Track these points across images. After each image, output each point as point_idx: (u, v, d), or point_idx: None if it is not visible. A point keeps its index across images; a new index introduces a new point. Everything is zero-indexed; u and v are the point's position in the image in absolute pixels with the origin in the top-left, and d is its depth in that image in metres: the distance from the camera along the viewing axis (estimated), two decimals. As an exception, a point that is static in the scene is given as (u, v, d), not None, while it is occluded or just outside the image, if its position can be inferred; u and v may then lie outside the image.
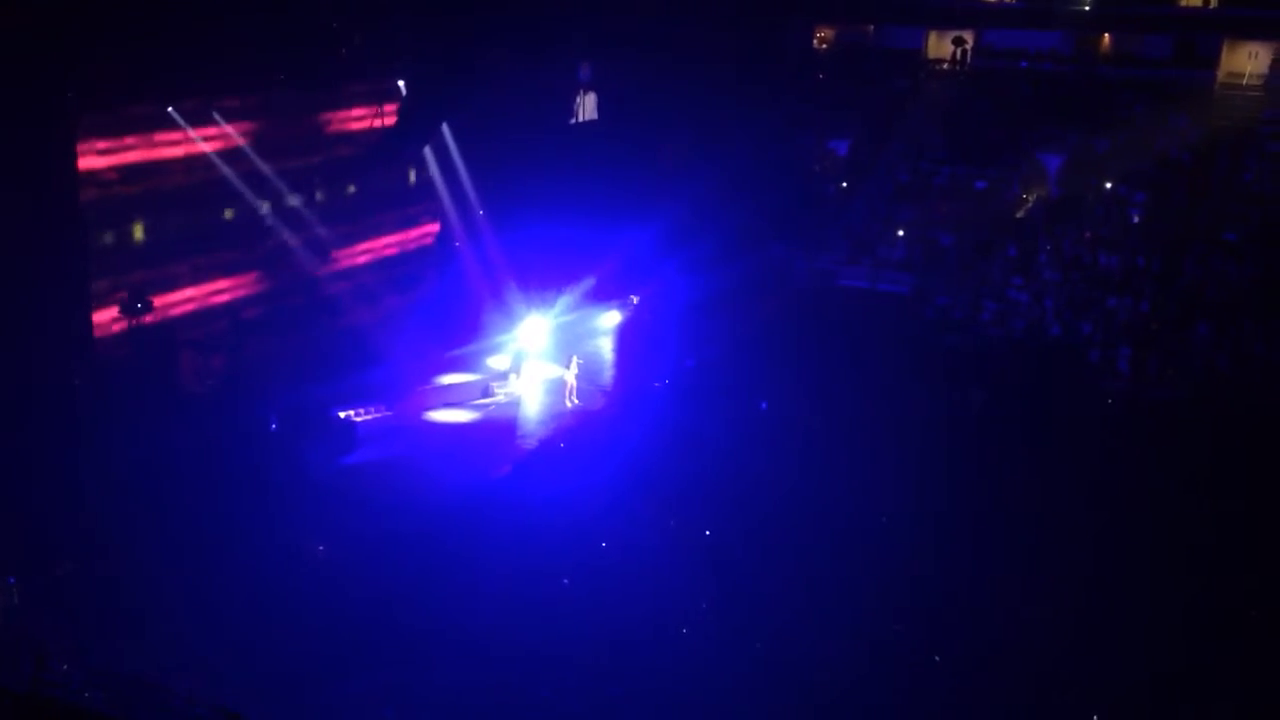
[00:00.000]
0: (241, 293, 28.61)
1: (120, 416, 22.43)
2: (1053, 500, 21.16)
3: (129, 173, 25.38)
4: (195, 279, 27.42)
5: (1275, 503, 20.19)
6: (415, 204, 34.48)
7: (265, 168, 28.39)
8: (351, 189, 32.11)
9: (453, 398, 27.93)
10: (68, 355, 22.32)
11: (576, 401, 27.71)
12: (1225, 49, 37.16)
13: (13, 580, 17.81)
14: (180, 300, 27.04)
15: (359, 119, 31.42)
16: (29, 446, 20.04)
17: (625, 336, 31.93)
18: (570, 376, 27.76)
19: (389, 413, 26.41)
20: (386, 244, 33.24)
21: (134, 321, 25.17)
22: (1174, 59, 38.44)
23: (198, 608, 17.63)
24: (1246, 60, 36.82)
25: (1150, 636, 17.14)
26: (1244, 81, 36.52)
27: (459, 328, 30.84)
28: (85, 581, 18.65)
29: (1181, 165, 33.70)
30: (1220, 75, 36.97)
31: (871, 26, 43.28)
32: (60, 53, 21.03)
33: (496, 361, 29.97)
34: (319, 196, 30.68)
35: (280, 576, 18.60)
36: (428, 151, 32.87)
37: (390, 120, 31.04)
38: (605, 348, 31.56)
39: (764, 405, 25.98)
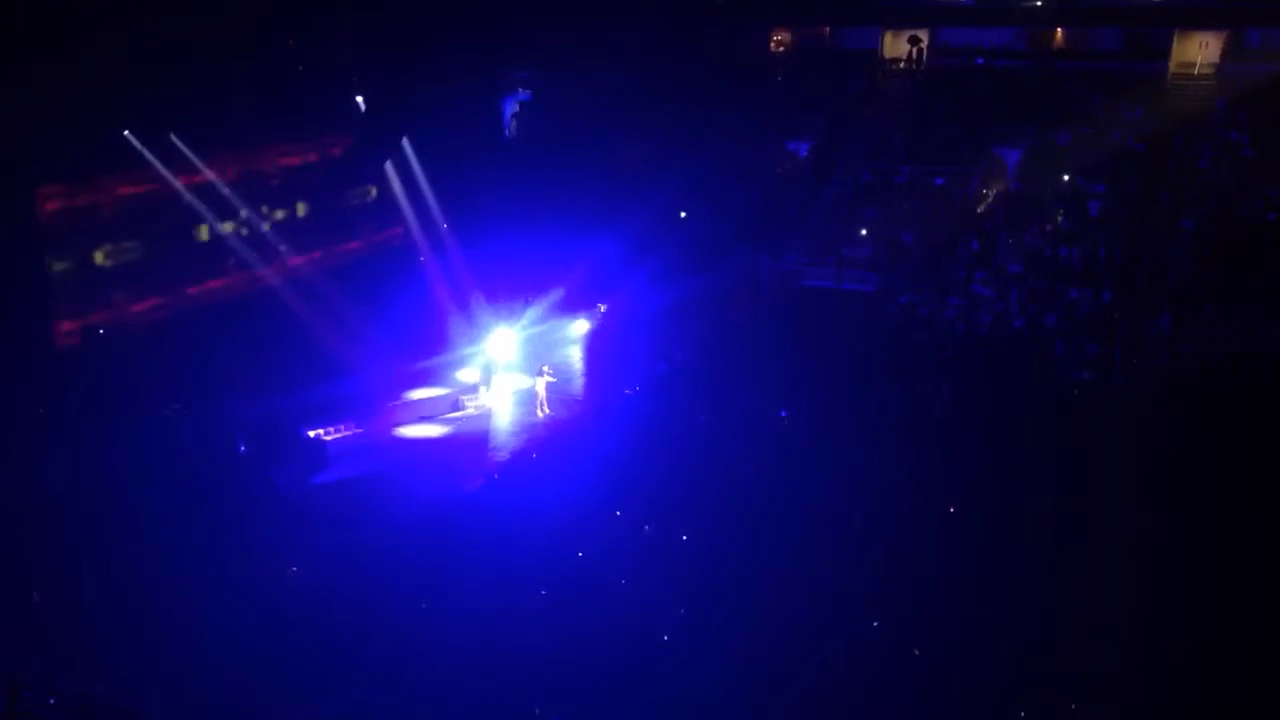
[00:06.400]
0: (205, 310, 28.41)
1: (85, 439, 22.23)
2: (1022, 492, 21.31)
3: (88, 195, 25.18)
4: (157, 297, 27.21)
5: (1243, 489, 20.43)
6: (378, 219, 34.37)
7: (225, 189, 28.25)
8: (314, 206, 31.94)
9: (423, 412, 27.81)
10: (29, 378, 22.15)
11: (547, 411, 27.67)
12: (1176, 40, 37.61)
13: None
14: (143, 319, 26.82)
15: (316, 136, 31.31)
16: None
17: (594, 345, 31.93)
18: (540, 387, 27.72)
19: (359, 430, 26.28)
20: (351, 259, 33.07)
21: (96, 343, 24.98)
22: (1126, 51, 38.90)
23: (170, 632, 17.45)
24: (1197, 50, 37.25)
25: (1124, 627, 17.29)
26: (1195, 71, 36.95)
27: (426, 341, 30.74)
28: (54, 608, 18.42)
29: (1138, 155, 34.08)
30: (1172, 66, 37.41)
31: (827, 28, 43.56)
32: (19, 77, 20.91)
33: (466, 374, 29.88)
34: (280, 214, 30.52)
35: (253, 598, 18.45)
36: (389, 166, 32.81)
37: (348, 139, 31.03)
38: (575, 357, 31.53)
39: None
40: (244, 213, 28.99)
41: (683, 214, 35.08)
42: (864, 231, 34.05)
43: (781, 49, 44.07)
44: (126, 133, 25.62)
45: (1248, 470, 20.69)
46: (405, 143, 32.82)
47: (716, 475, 22.62)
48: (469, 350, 30.72)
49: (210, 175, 27.74)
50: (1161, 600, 17.79)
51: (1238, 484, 20.40)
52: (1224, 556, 18.75)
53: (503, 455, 25.70)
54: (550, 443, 26.04)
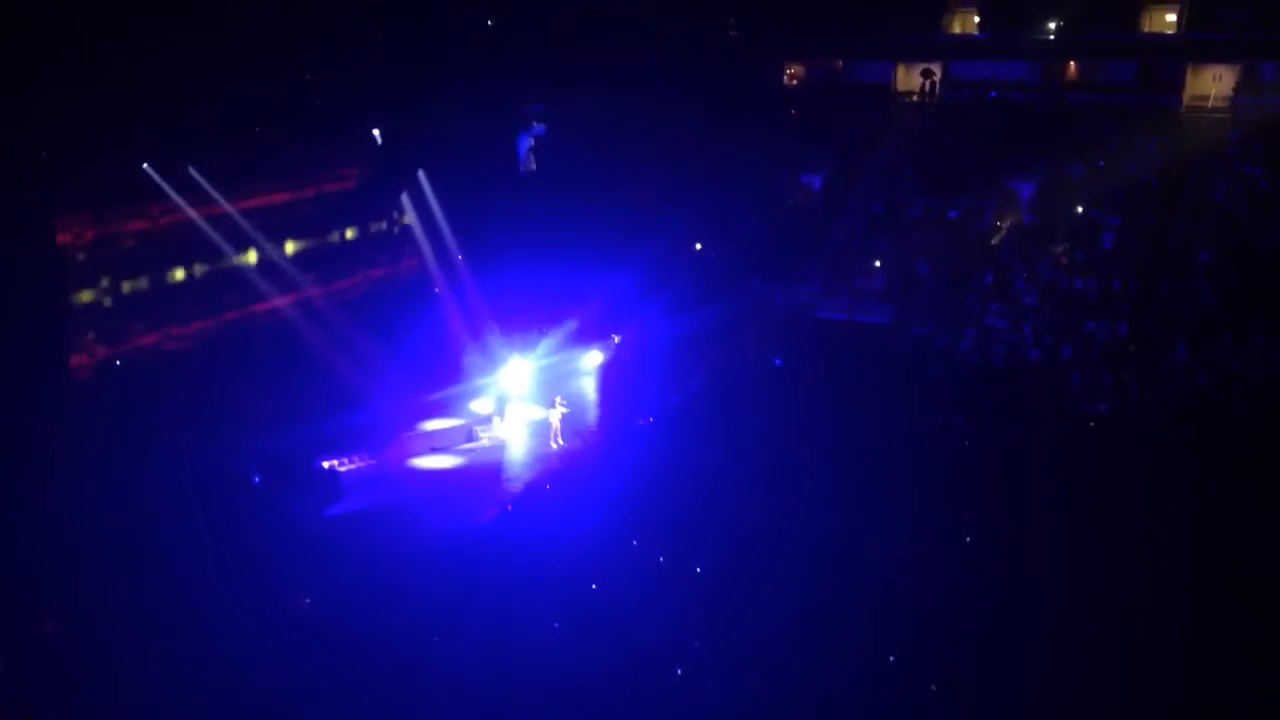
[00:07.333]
0: (220, 341, 28.56)
1: (100, 468, 22.29)
2: (1038, 525, 21.19)
3: (106, 226, 25.41)
4: (173, 328, 27.38)
5: (1262, 519, 20.28)
6: (394, 250, 34.55)
7: (242, 220, 28.46)
8: (330, 237, 32.16)
9: (437, 443, 27.81)
10: (46, 408, 22.28)
11: (562, 442, 27.65)
12: (1189, 73, 37.75)
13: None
14: (159, 350, 26.97)
15: (333, 168, 31.57)
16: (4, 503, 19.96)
17: (609, 376, 31.93)
18: (555, 418, 27.71)
19: (373, 461, 26.28)
20: (366, 290, 33.22)
21: (112, 373, 25.10)
22: (1139, 84, 39.05)
23: (183, 663, 17.39)
24: (1211, 83, 37.39)
25: (1139, 660, 17.13)
26: (1209, 104, 37.07)
27: (440, 372, 30.77)
28: (68, 639, 18.40)
29: (1152, 188, 34.07)
30: (1186, 99, 37.53)
31: (840, 62, 43.84)
32: (40, 108, 21.17)
33: (480, 405, 29.89)
34: (297, 245, 30.72)
35: (267, 630, 18.40)
36: (405, 198, 33.04)
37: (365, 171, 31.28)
38: (589, 388, 31.53)
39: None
40: (260, 244, 29.16)
41: (698, 245, 35.21)
42: (877, 263, 34.08)
43: (795, 82, 44.39)
44: (146, 165, 25.85)
45: (1266, 500, 20.55)
46: (421, 175, 33.06)
47: (732, 506, 22.52)
48: (483, 381, 30.72)
49: (227, 206, 27.93)
50: (1177, 629, 17.65)
51: (1256, 514, 20.26)
52: (1243, 586, 18.60)
53: (517, 486, 25.65)
54: (564, 474, 25.99)
